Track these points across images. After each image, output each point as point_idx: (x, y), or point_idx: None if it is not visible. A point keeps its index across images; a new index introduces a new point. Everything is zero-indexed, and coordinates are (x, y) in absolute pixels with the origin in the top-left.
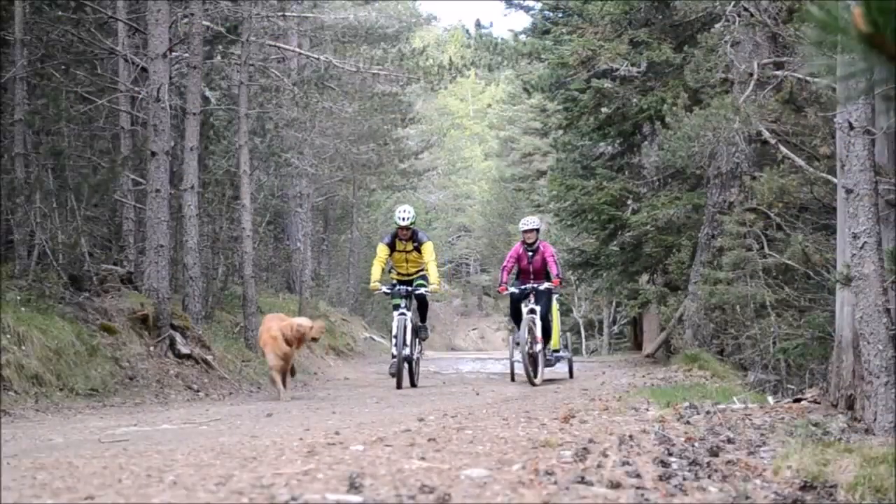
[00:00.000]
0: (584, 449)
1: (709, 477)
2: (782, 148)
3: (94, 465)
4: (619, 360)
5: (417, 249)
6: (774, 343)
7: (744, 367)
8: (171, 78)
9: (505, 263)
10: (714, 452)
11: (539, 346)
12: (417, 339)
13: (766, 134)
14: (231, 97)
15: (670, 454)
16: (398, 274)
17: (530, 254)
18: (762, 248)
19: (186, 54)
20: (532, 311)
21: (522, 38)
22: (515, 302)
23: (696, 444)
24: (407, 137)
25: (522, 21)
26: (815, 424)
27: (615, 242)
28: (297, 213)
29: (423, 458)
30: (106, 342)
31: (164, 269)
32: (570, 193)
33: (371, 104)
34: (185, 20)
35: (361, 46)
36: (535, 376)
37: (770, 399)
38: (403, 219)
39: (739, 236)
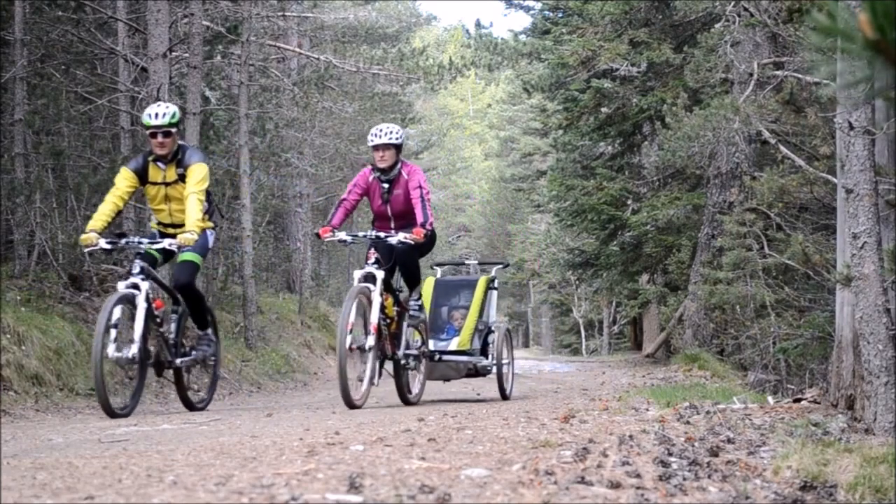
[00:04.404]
0: (584, 449)
1: (709, 477)
2: (782, 148)
3: (94, 465)
4: (619, 360)
5: (183, 178)
6: (774, 343)
7: (744, 367)
8: (171, 78)
9: (344, 196)
10: (714, 452)
11: (371, 341)
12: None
13: (766, 134)
14: (231, 97)
15: (670, 454)
16: (158, 223)
17: (385, 185)
18: (762, 248)
19: (186, 54)
20: (368, 279)
21: (522, 38)
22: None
23: (696, 444)
24: (407, 137)
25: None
26: (815, 424)
27: (615, 242)
28: (297, 213)
29: (423, 458)
30: None
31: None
32: (570, 193)
33: (371, 104)
34: (185, 20)
35: (361, 46)
36: (358, 392)
37: (770, 399)
38: (156, 115)
39: (739, 236)
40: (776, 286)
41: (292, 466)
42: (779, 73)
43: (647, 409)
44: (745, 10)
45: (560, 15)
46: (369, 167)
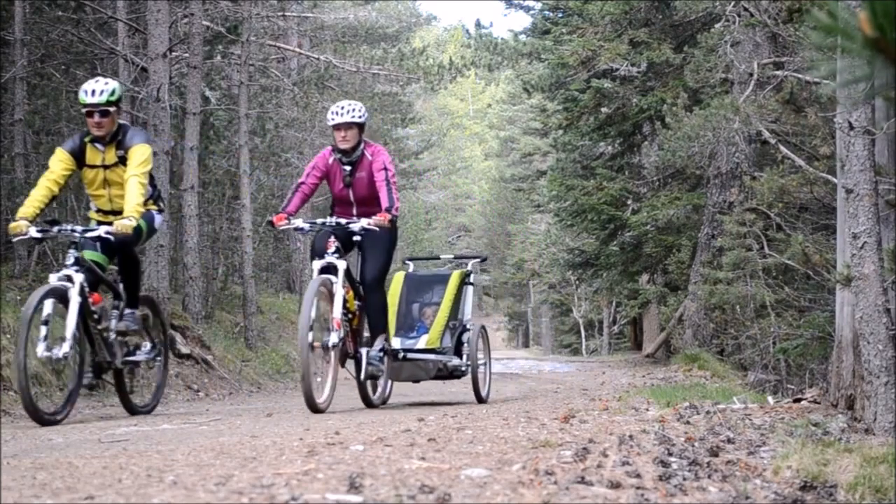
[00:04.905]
0: (584, 449)
1: (709, 477)
2: (782, 148)
3: (94, 465)
4: (619, 360)
5: (123, 161)
6: (774, 343)
7: (744, 367)
8: (171, 78)
9: (301, 179)
10: (714, 452)
11: (335, 338)
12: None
13: (766, 134)
14: (231, 97)
15: (670, 454)
16: (97, 211)
17: (347, 168)
18: (762, 248)
19: (186, 54)
20: (328, 270)
21: (522, 38)
22: (319, 252)
23: (696, 444)
24: (407, 137)
25: (522, 21)
26: (815, 424)
27: (615, 242)
28: None
29: (423, 458)
30: None
31: (164, 269)
32: (570, 193)
33: (371, 104)
34: (185, 20)
35: (361, 46)
36: (322, 394)
37: (770, 399)
38: (92, 92)
39: (739, 236)
40: (776, 286)
41: (292, 466)
42: (779, 73)
43: (647, 409)
44: (745, 10)
45: (560, 15)
46: (329, 148)
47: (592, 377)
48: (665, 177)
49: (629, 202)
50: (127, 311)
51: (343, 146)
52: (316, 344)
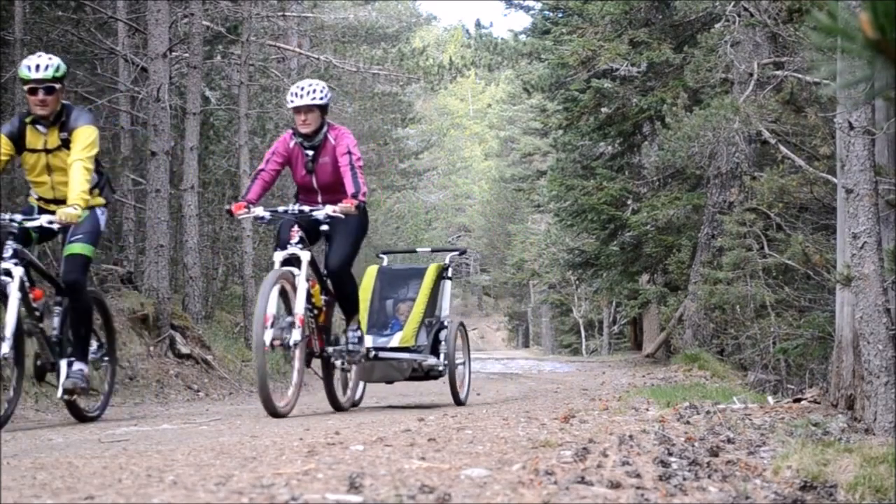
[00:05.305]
0: (584, 449)
1: (709, 477)
2: (782, 148)
3: (94, 465)
4: (619, 360)
5: (67, 145)
6: (774, 343)
7: (744, 367)
8: (171, 78)
9: (261, 166)
10: (714, 452)
11: (298, 335)
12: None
13: (766, 134)
14: (231, 97)
15: (670, 454)
16: (38, 199)
17: (310, 153)
18: (762, 248)
19: (186, 54)
20: (291, 262)
21: (522, 38)
22: (283, 242)
23: (696, 444)
24: (407, 137)
25: (522, 21)
26: (815, 424)
27: (615, 242)
28: None
29: (423, 458)
30: None
31: (164, 269)
32: (570, 193)
33: (371, 104)
34: (185, 20)
35: (361, 46)
36: (283, 397)
37: (770, 399)
38: (36, 67)
39: (739, 236)
40: (776, 286)
41: (292, 466)
42: (779, 73)
43: (647, 409)
44: (745, 10)
45: (560, 15)
46: (290, 131)
47: (592, 377)
48: (665, 177)
49: (629, 202)
50: (76, 366)
51: (304, 130)
52: (276, 342)
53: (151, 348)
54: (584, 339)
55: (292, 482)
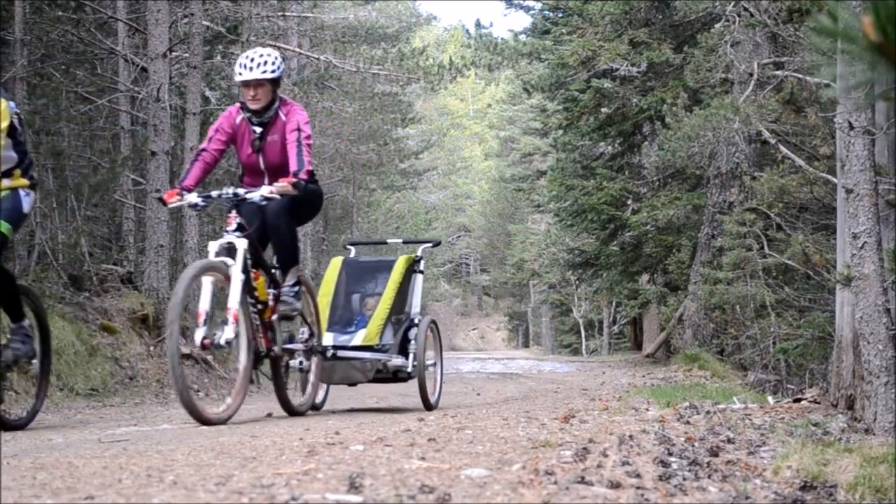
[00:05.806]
0: (584, 449)
1: (709, 477)
2: (782, 148)
3: (94, 465)
4: (619, 360)
5: None
6: (774, 343)
7: (744, 367)
8: (171, 78)
9: (203, 145)
10: (714, 452)
11: (230, 332)
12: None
13: (766, 134)
14: (231, 97)
15: (670, 454)
16: None
17: (258, 130)
18: (762, 248)
19: (186, 54)
20: (226, 250)
21: (522, 38)
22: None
23: (696, 444)
24: (407, 137)
25: (522, 21)
26: (815, 424)
27: (615, 242)
28: None
29: (423, 458)
30: (106, 342)
31: (164, 269)
32: (570, 193)
33: (371, 104)
34: (185, 20)
35: (361, 46)
36: (220, 402)
37: (770, 399)
38: None
39: (739, 236)
40: (776, 286)
41: (292, 466)
42: (779, 73)
43: (647, 409)
44: (745, 10)
45: (560, 15)
46: (237, 105)
47: (592, 377)
48: (665, 177)
49: (629, 202)
50: (16, 336)
51: (254, 106)
52: (206, 341)
53: (151, 348)
54: (584, 339)
55: (292, 482)
